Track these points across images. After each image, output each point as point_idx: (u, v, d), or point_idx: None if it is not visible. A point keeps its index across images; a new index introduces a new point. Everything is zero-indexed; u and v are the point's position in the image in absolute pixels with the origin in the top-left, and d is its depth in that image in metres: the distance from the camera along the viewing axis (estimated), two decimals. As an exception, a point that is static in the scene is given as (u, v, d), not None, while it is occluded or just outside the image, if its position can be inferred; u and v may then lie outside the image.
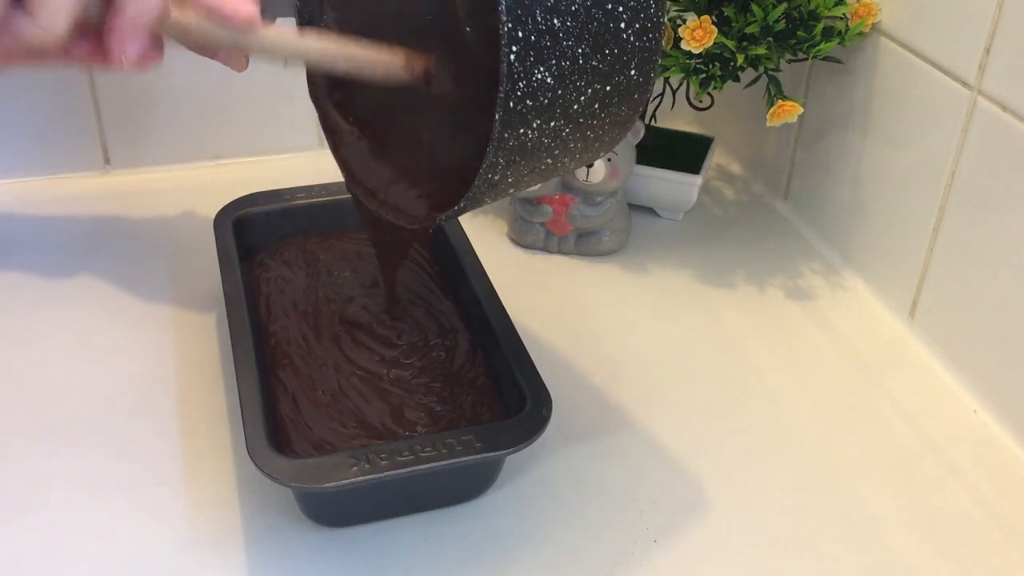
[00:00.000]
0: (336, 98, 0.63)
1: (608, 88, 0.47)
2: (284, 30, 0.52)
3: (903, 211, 0.74)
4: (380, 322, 0.67)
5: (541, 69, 0.44)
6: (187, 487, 0.59)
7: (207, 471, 0.60)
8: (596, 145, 0.50)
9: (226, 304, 0.63)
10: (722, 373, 0.70)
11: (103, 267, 0.77)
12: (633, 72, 0.47)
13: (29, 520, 0.57)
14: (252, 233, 0.73)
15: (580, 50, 0.45)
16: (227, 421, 0.64)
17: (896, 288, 0.75)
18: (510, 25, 0.42)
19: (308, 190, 0.75)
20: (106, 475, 0.60)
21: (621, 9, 0.45)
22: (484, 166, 0.46)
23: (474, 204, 0.49)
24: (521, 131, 0.45)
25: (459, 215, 0.51)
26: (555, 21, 0.43)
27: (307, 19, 0.62)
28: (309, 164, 0.87)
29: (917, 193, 0.72)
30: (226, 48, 0.53)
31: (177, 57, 0.63)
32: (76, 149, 0.88)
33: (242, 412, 0.55)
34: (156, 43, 0.51)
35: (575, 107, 0.46)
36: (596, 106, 0.47)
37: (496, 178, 0.47)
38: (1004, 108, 0.64)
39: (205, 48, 0.61)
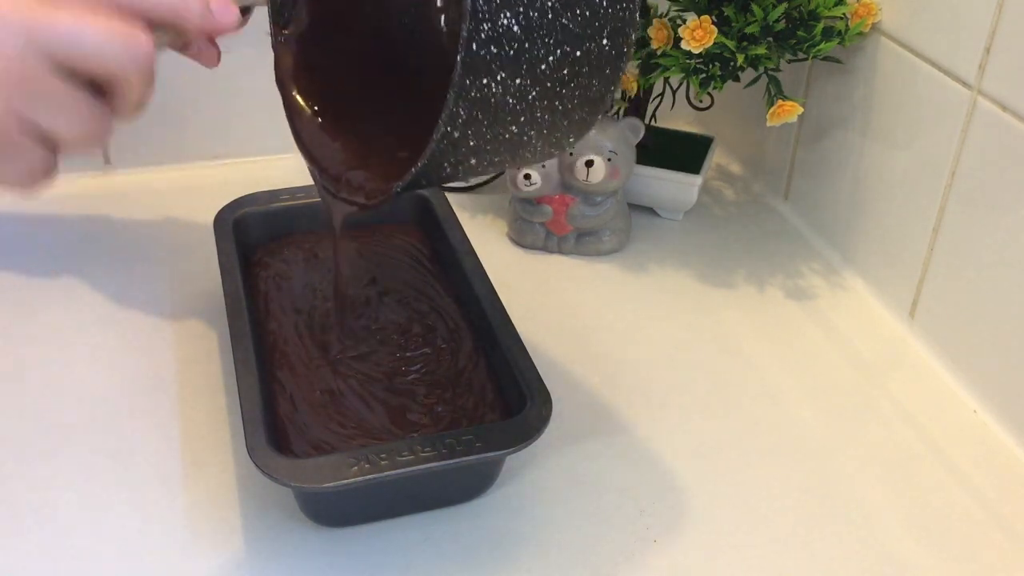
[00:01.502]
0: (301, 82, 0.62)
1: (578, 54, 0.45)
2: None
3: (903, 211, 0.74)
4: (379, 322, 0.67)
5: (507, 14, 0.42)
6: (187, 487, 0.59)
7: (207, 471, 0.60)
8: (565, 123, 0.49)
9: (226, 304, 0.63)
10: (722, 373, 0.70)
11: (103, 267, 0.77)
12: (605, 41, 0.46)
13: (29, 520, 0.57)
14: (252, 233, 0.73)
15: (550, 3, 0.43)
16: (227, 421, 0.64)
17: (896, 288, 0.75)
18: None
19: (308, 190, 0.75)
20: (106, 475, 0.60)
21: None
22: (443, 116, 0.44)
23: (433, 166, 0.47)
24: (484, 81, 0.44)
25: (417, 181, 0.49)
26: None
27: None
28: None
29: (917, 193, 0.72)
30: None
31: (177, 57, 0.63)
32: (76, 149, 0.88)
33: (242, 412, 0.55)
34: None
35: (542, 67, 0.45)
36: (565, 71, 0.46)
37: (456, 135, 0.45)
38: (1004, 108, 0.64)
39: (178, 44, 0.61)
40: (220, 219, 0.72)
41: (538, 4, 0.43)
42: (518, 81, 0.45)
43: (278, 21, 0.61)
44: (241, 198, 0.74)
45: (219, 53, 0.63)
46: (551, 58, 0.45)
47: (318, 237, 0.74)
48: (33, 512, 0.58)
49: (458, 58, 0.42)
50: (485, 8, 0.42)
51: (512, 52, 0.43)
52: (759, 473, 0.62)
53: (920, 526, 0.59)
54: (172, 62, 0.88)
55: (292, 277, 0.70)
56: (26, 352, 0.69)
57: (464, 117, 0.44)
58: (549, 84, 0.46)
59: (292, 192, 0.75)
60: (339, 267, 0.66)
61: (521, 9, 0.43)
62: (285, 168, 0.89)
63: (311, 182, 0.76)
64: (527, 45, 0.44)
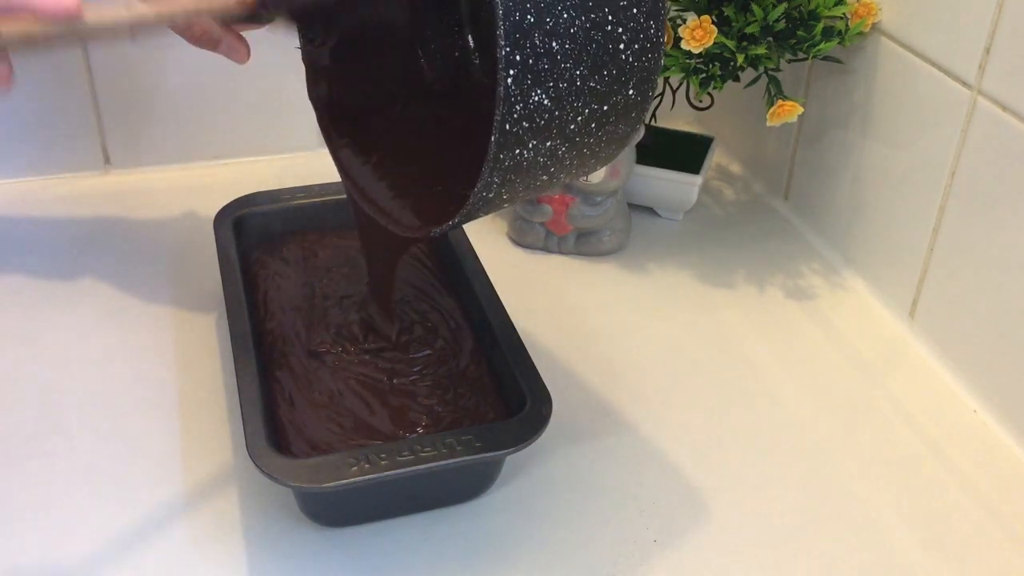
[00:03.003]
0: (334, 103, 0.62)
1: (606, 108, 0.46)
2: (113, 8, 0.53)
3: (903, 211, 0.74)
4: (377, 322, 0.67)
5: (538, 91, 0.43)
6: (187, 487, 0.59)
7: (207, 471, 0.60)
8: (592, 161, 0.50)
9: (226, 304, 0.63)
10: (722, 373, 0.70)
11: (103, 267, 0.77)
12: (631, 91, 0.47)
13: (29, 520, 0.57)
14: (252, 233, 0.73)
15: (578, 71, 0.44)
16: (227, 421, 0.64)
17: (896, 288, 0.75)
18: (508, 49, 0.42)
19: (308, 190, 0.75)
20: (106, 475, 0.60)
21: (621, 30, 0.45)
22: (479, 186, 0.45)
23: (469, 219, 0.49)
24: (517, 151, 0.45)
25: (453, 229, 0.51)
26: (554, 44, 0.43)
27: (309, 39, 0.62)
28: (309, 164, 0.87)
29: (917, 193, 0.72)
30: (66, 40, 0.53)
31: (177, 57, 0.63)
32: (76, 149, 0.88)
33: (242, 412, 0.55)
34: (2, 57, 0.53)
35: (572, 127, 0.46)
36: (593, 125, 0.47)
37: (491, 195, 0.47)
38: (1004, 108, 0.64)
39: (205, 41, 0.61)
40: (220, 219, 0.72)
41: (567, 75, 0.44)
42: (549, 144, 0.46)
43: (307, 36, 0.61)
44: (241, 198, 0.74)
45: (248, 49, 0.63)
46: (580, 118, 0.46)
47: (318, 237, 0.74)
48: (33, 512, 0.58)
49: (492, 139, 0.43)
50: (517, 92, 0.43)
51: (543, 122, 0.44)
52: (759, 473, 0.62)
53: (920, 526, 0.59)
54: (172, 62, 0.88)
55: (292, 277, 0.70)
56: (26, 352, 0.69)
57: (498, 182, 0.46)
58: (578, 139, 0.47)
59: (292, 192, 0.75)
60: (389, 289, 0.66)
61: (551, 84, 0.44)
62: (285, 168, 0.89)
63: (311, 182, 0.76)
64: (557, 113, 0.45)
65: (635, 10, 0.45)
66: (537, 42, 0.42)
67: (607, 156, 0.51)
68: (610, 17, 0.44)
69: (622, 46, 0.45)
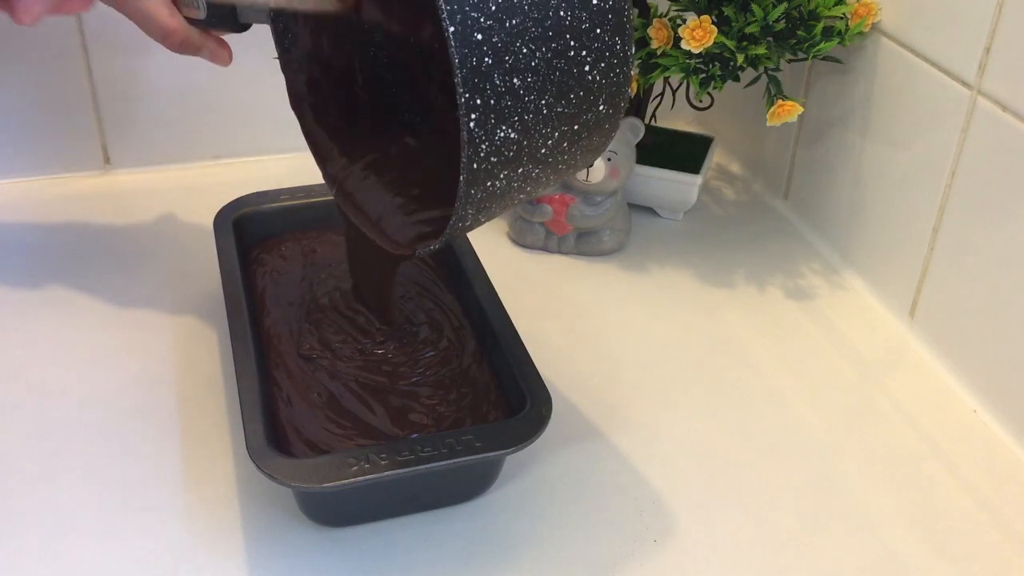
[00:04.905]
0: (319, 114, 0.63)
1: (576, 127, 0.46)
2: None
3: (903, 211, 0.74)
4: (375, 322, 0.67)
5: (504, 128, 0.43)
6: (187, 487, 0.59)
7: (207, 471, 0.60)
8: (570, 171, 0.50)
9: (226, 304, 0.63)
10: (722, 373, 0.70)
11: (103, 267, 0.77)
12: (602, 107, 0.46)
13: (29, 520, 0.57)
14: (252, 233, 0.73)
15: (544, 101, 0.43)
16: (227, 421, 0.64)
17: (896, 288, 0.75)
18: (467, 95, 0.41)
19: (308, 190, 0.75)
20: (106, 475, 0.60)
21: (584, 53, 0.44)
22: (453, 219, 0.45)
23: (450, 240, 0.49)
24: (488, 184, 0.44)
25: (437, 249, 0.51)
26: (515, 80, 0.42)
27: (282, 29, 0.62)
28: (309, 164, 0.86)
29: (917, 193, 0.72)
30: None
31: (177, 57, 0.63)
32: (76, 149, 0.88)
33: (242, 412, 0.55)
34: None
35: (543, 151, 0.45)
36: (565, 144, 0.46)
37: (467, 224, 0.47)
38: (1004, 108, 0.64)
39: (186, 47, 0.62)
40: (220, 219, 0.72)
41: (532, 107, 0.43)
42: (520, 171, 0.45)
43: (283, 44, 0.62)
44: (241, 198, 0.74)
45: (230, 53, 0.63)
46: (550, 142, 0.45)
47: (317, 235, 0.74)
48: (33, 512, 0.58)
49: (461, 178, 0.43)
50: (481, 132, 0.42)
51: (511, 154, 0.44)
52: (759, 473, 0.62)
53: (920, 526, 0.59)
54: (172, 63, 0.88)
55: (292, 276, 0.70)
56: (26, 352, 0.69)
57: (473, 212, 0.46)
58: (551, 159, 0.47)
59: (292, 192, 0.75)
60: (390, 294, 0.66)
61: (516, 118, 0.43)
62: (285, 168, 0.89)
63: (310, 182, 0.76)
64: (526, 143, 0.44)
65: (598, 31, 0.44)
66: (497, 82, 0.42)
67: (584, 164, 0.51)
68: (572, 43, 0.43)
69: (587, 67, 0.44)
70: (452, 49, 0.41)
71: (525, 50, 0.42)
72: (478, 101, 0.41)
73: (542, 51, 0.43)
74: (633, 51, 0.46)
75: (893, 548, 0.58)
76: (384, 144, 0.61)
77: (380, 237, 0.57)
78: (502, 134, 0.43)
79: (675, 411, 0.67)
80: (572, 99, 0.45)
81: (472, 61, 0.41)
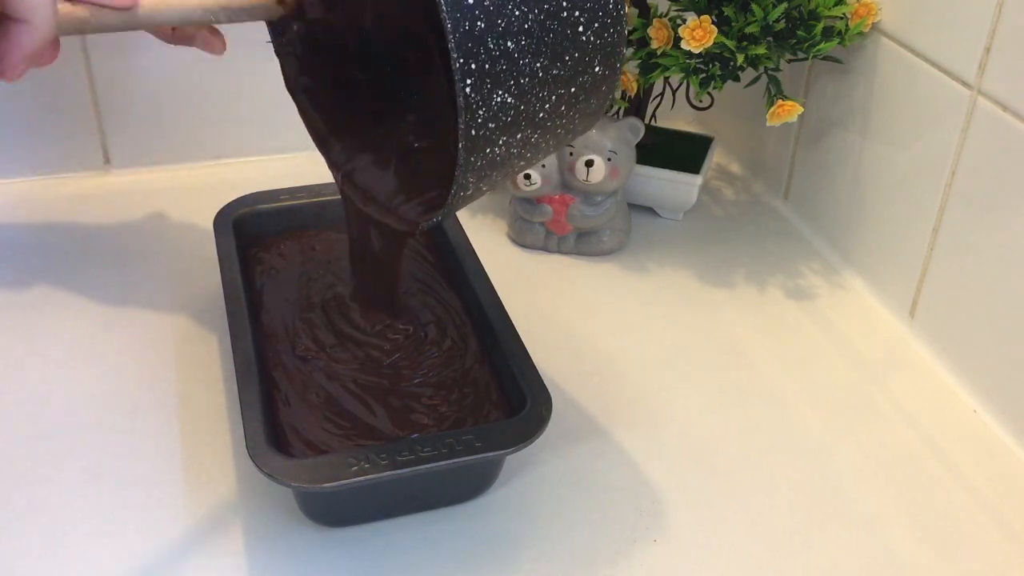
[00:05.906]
0: (313, 95, 0.63)
1: (573, 89, 0.46)
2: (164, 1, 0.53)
3: (903, 211, 0.74)
4: (374, 320, 0.67)
5: (500, 92, 0.43)
6: (187, 487, 0.59)
7: (207, 471, 0.60)
8: (568, 136, 0.50)
9: (226, 304, 0.63)
10: (722, 373, 0.70)
11: (103, 267, 0.77)
12: (598, 68, 0.46)
13: (29, 520, 0.57)
14: (252, 233, 0.73)
15: (539, 63, 0.43)
16: (227, 421, 0.64)
17: (896, 288, 0.75)
18: (461, 60, 0.41)
19: (308, 190, 0.75)
20: (106, 475, 0.60)
21: (578, 14, 0.44)
22: (454, 188, 0.45)
23: (452, 212, 0.49)
24: (487, 151, 0.44)
25: (439, 223, 0.51)
26: (508, 44, 0.42)
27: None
28: (309, 164, 0.86)
29: (917, 193, 0.72)
30: (120, 29, 0.54)
31: (177, 57, 0.63)
32: (76, 149, 0.88)
33: (242, 412, 0.55)
34: (53, 45, 0.53)
35: (540, 115, 0.45)
36: (563, 108, 0.46)
37: (469, 193, 0.47)
38: (1004, 108, 0.64)
39: (179, 38, 0.62)
40: (220, 219, 0.72)
41: (527, 70, 0.43)
42: (519, 136, 0.45)
43: (275, 29, 0.61)
44: (241, 198, 0.74)
45: (223, 41, 0.63)
46: (548, 105, 0.45)
47: (317, 235, 0.74)
48: (33, 512, 0.58)
49: (460, 145, 0.43)
50: (477, 98, 0.42)
51: (509, 119, 0.44)
52: (759, 473, 0.62)
53: (920, 526, 0.59)
54: (172, 64, 0.88)
55: (291, 276, 0.70)
56: (26, 352, 0.69)
57: (474, 180, 0.45)
58: (550, 123, 0.46)
59: (292, 192, 0.75)
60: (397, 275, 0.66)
61: (512, 82, 0.43)
62: (285, 168, 0.89)
63: (311, 182, 0.76)
64: (523, 107, 0.44)
65: None
66: (491, 46, 0.42)
67: (584, 128, 0.50)
68: (565, 3, 0.43)
69: (581, 28, 0.44)
70: (444, 14, 0.41)
71: (517, 12, 0.42)
72: (473, 66, 0.41)
73: (534, 13, 0.43)
74: (626, 10, 0.46)
75: (893, 548, 0.58)
76: (383, 122, 0.61)
77: (382, 213, 0.57)
78: (499, 99, 0.43)
79: (675, 411, 0.67)
80: (567, 61, 0.44)
81: (465, 25, 0.41)
